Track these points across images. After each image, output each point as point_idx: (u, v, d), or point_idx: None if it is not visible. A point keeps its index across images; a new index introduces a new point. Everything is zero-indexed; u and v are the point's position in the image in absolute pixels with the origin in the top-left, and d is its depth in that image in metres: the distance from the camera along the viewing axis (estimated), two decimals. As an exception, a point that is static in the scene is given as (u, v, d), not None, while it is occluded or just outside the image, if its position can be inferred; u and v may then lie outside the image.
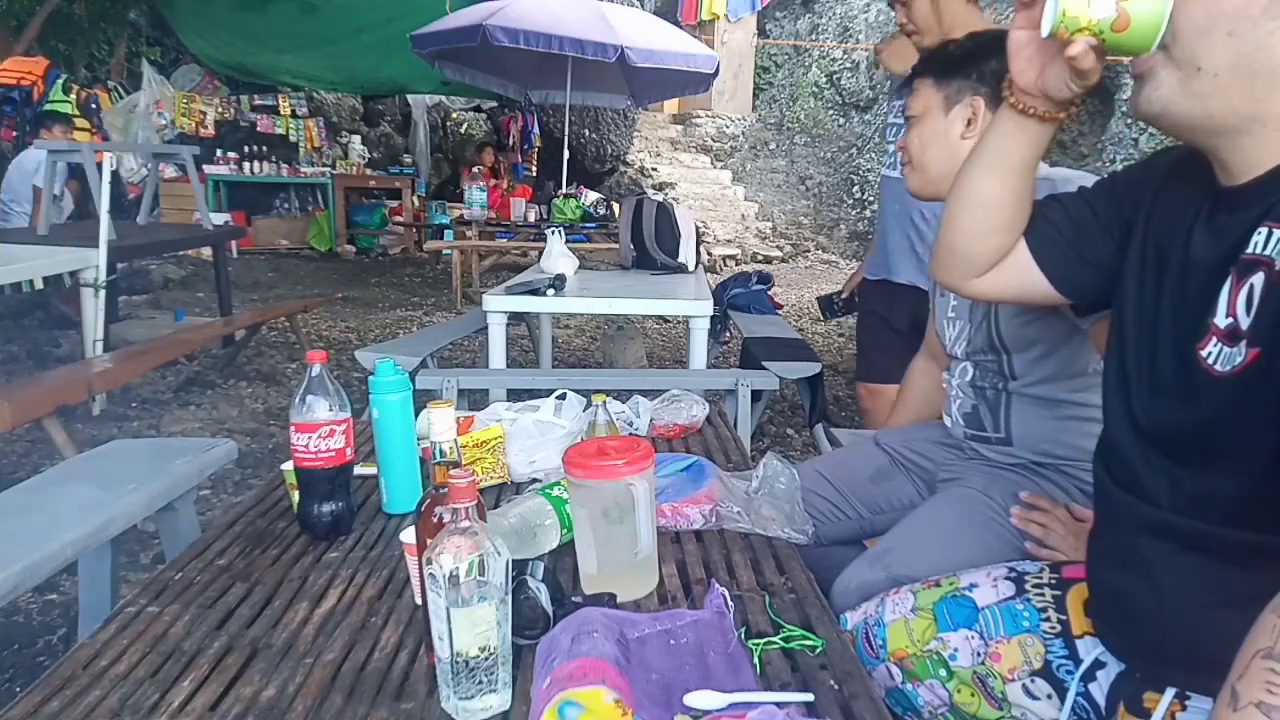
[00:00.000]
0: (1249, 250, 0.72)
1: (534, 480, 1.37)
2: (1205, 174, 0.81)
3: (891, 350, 2.34)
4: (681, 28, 6.78)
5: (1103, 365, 0.96)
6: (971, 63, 1.31)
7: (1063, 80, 0.85)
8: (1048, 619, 0.98)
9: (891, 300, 2.30)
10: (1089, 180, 1.23)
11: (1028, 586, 1.02)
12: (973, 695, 1.00)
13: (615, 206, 6.82)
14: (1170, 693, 0.81)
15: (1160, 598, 0.82)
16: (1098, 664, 0.92)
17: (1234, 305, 0.72)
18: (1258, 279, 0.70)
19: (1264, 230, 0.72)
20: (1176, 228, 0.85)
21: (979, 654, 0.99)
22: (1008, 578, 1.04)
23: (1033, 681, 0.96)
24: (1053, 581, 1.02)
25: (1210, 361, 0.74)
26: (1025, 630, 0.98)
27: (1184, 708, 0.80)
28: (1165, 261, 0.85)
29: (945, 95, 1.32)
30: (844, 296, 2.65)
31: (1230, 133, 0.75)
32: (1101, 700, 0.91)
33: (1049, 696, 0.95)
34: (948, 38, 2.20)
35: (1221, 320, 0.73)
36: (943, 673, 1.01)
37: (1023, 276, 1.01)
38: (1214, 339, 0.74)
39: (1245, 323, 0.71)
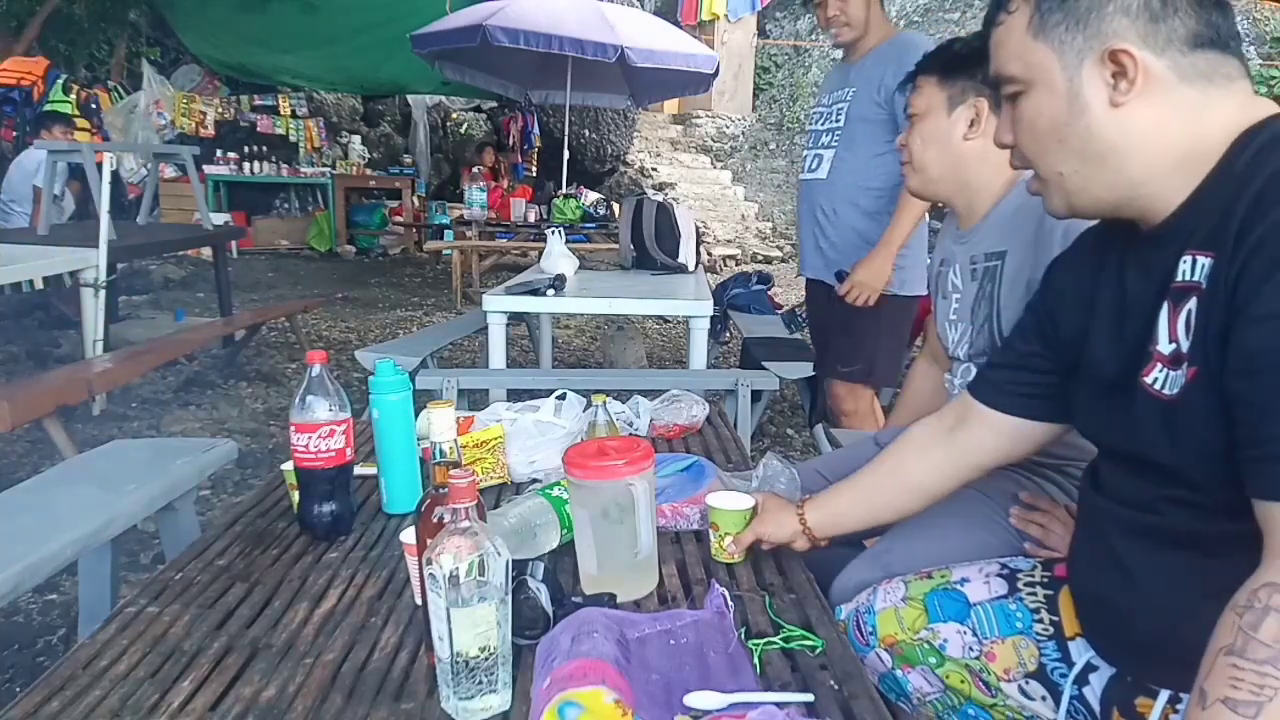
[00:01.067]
0: (1178, 279, 0.76)
1: (534, 480, 1.37)
2: (1121, 226, 0.87)
3: (816, 339, 2.50)
4: (681, 28, 6.78)
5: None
6: (977, 63, 1.30)
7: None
8: (1040, 620, 0.98)
9: (814, 297, 2.44)
10: None
11: (1020, 585, 1.02)
12: (963, 681, 1.00)
13: (615, 207, 6.81)
14: (1164, 696, 0.82)
15: (1142, 597, 0.82)
16: (1090, 667, 0.93)
17: (1174, 330, 0.76)
18: (1192, 303, 0.74)
19: (1188, 258, 0.76)
20: (1104, 273, 0.90)
21: (973, 649, 1.00)
22: (1000, 574, 1.05)
23: (1028, 683, 0.97)
24: (1045, 580, 1.02)
25: (1156, 387, 0.77)
26: (1019, 631, 0.99)
27: (1176, 710, 0.81)
28: (1098, 301, 0.90)
29: (949, 95, 1.31)
30: (802, 311, 2.74)
31: (1131, 199, 0.82)
32: (1095, 704, 0.91)
33: (1044, 698, 0.96)
34: (861, 37, 2.24)
35: (1164, 346, 0.77)
36: (933, 660, 1.02)
37: (1006, 430, 1.05)
38: (1158, 364, 0.77)
39: (1186, 345, 0.75)
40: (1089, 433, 0.94)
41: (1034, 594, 1.01)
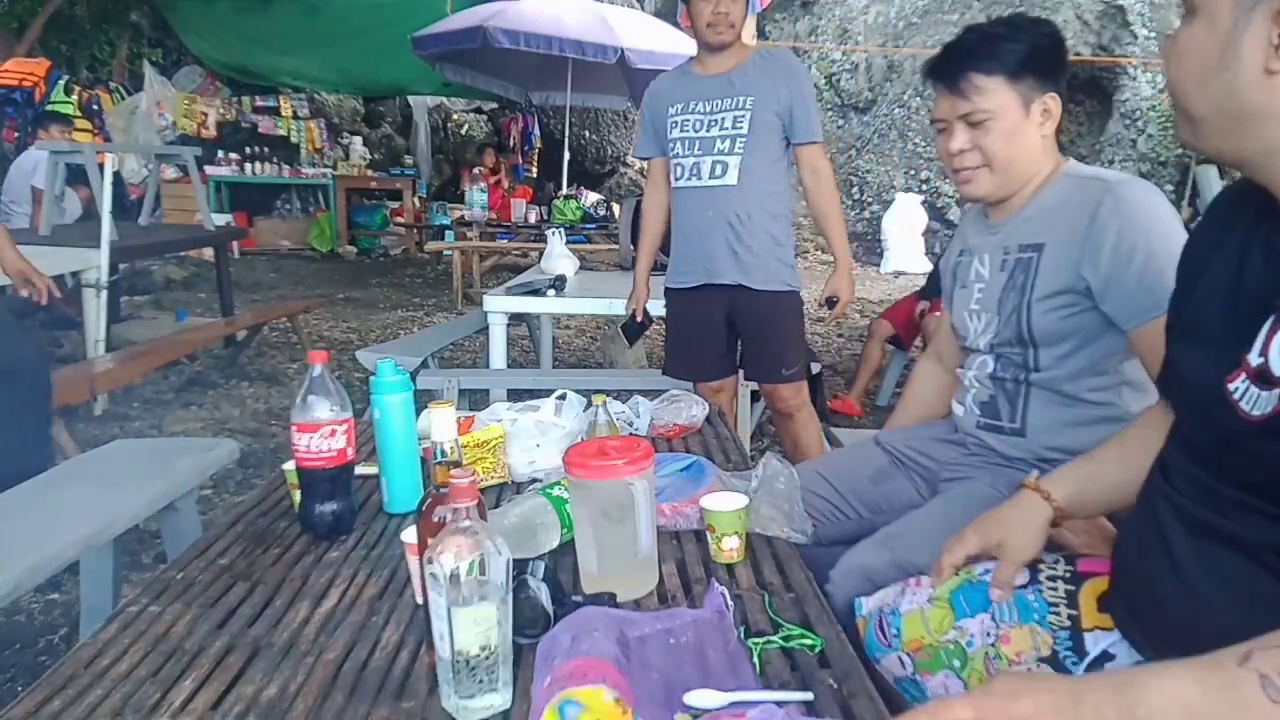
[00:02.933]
0: None
1: (534, 480, 1.37)
2: (1260, 199, 0.79)
3: (718, 347, 2.46)
4: (681, 30, 6.78)
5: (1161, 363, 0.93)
6: (1038, 60, 1.28)
7: None
8: (1057, 613, 0.98)
9: (710, 303, 2.40)
10: (1136, 183, 1.22)
11: (1041, 577, 1.02)
12: (981, 680, 1.00)
13: (615, 207, 6.82)
14: None
15: (1189, 591, 0.81)
16: (1106, 656, 0.92)
17: (1268, 346, 0.71)
18: None
19: None
20: (1228, 235, 0.83)
21: (990, 634, 0.99)
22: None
23: (1038, 667, 0.96)
24: (1067, 575, 1.01)
25: (1237, 397, 0.72)
26: (1035, 620, 0.98)
27: None
28: (1211, 265, 0.84)
29: (1020, 94, 1.27)
30: (639, 320, 2.62)
31: (1261, 165, 0.75)
32: None
33: None
34: (732, 44, 2.23)
35: (1253, 358, 0.72)
36: (956, 663, 1.01)
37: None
38: (1243, 374, 0.72)
39: (1278, 369, 0.69)
40: (1177, 406, 0.88)
41: (1054, 588, 1.00)
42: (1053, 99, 1.29)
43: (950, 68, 1.30)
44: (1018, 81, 1.27)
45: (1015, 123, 1.28)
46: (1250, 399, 0.72)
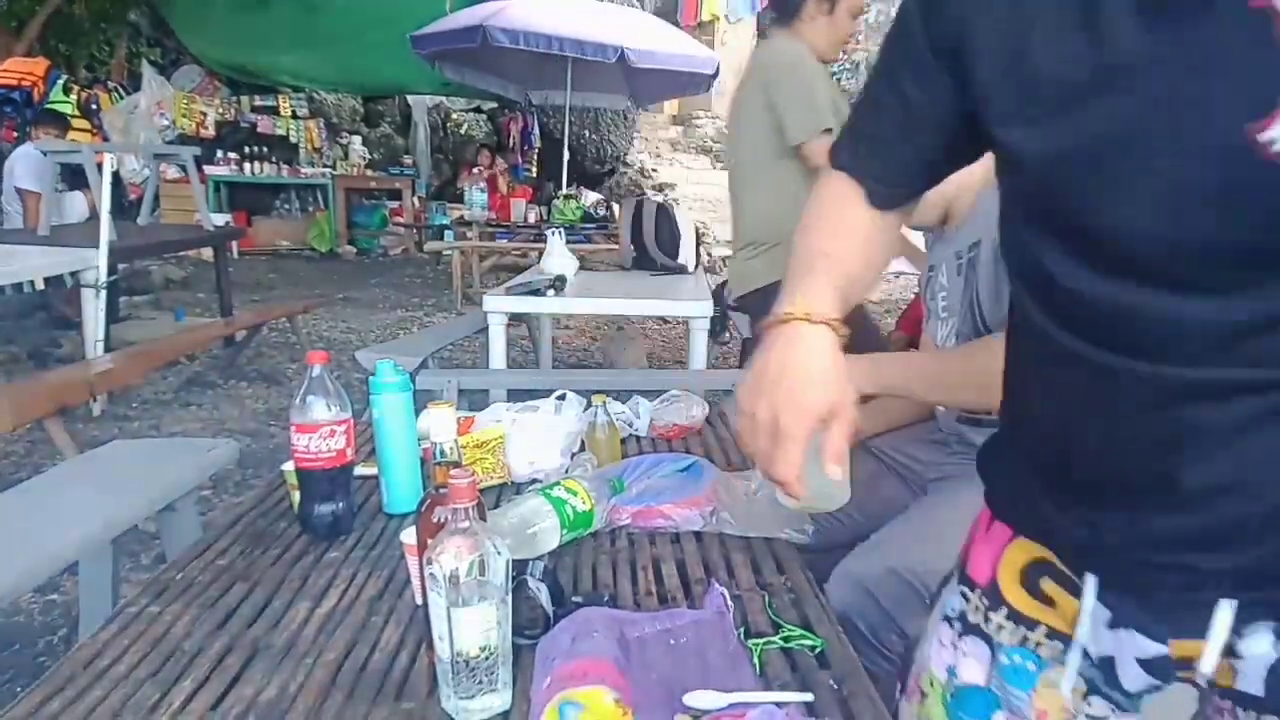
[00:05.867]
0: None
1: (534, 480, 1.37)
2: None
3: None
4: (681, 29, 6.78)
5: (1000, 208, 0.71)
6: None
7: None
8: (1028, 644, 0.74)
9: None
10: None
11: (987, 632, 0.77)
12: None
13: (615, 207, 6.82)
14: (1228, 609, 0.59)
15: (1231, 480, 0.58)
16: (1112, 651, 0.68)
17: None
18: None
19: None
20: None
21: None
22: (958, 634, 0.79)
23: (1089, 704, 0.71)
24: (987, 604, 0.77)
25: (1276, 149, 0.50)
26: (1035, 674, 0.74)
27: (1241, 636, 0.60)
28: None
29: None
30: None
31: None
32: (1130, 682, 0.67)
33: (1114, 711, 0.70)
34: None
35: None
36: None
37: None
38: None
39: None
40: (1128, 241, 0.57)
41: (1002, 627, 0.76)
42: None
43: None
44: None
45: None
46: None
